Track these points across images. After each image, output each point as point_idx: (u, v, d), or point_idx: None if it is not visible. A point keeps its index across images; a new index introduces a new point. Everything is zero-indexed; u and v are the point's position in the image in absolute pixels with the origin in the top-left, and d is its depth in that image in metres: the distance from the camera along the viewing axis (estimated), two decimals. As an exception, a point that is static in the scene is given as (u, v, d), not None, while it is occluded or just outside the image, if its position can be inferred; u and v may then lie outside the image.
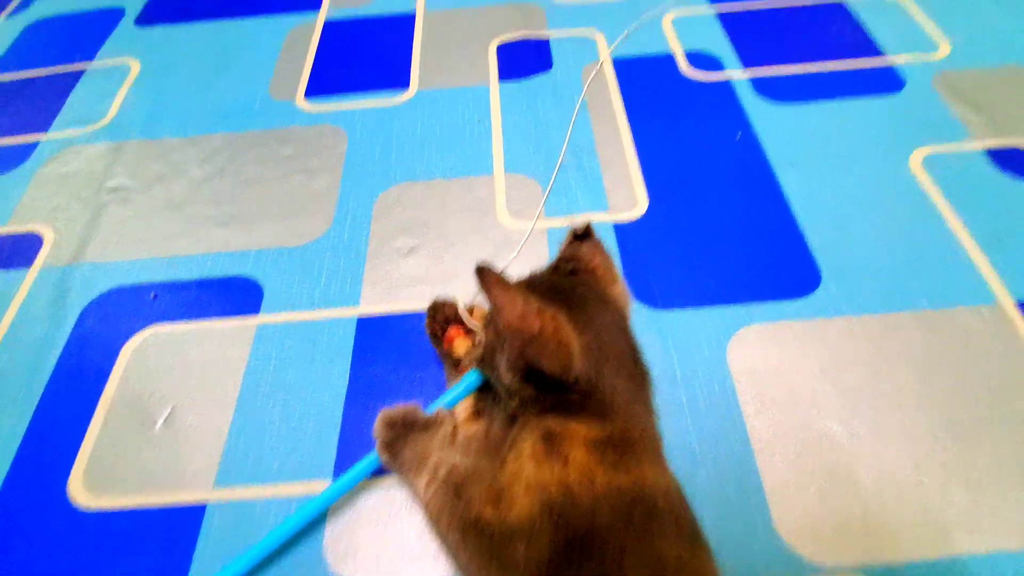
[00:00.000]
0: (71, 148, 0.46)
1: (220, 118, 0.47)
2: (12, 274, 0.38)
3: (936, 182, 0.39)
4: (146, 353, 0.34)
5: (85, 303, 0.36)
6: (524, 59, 0.50)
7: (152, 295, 0.36)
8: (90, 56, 0.54)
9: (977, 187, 0.38)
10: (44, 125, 0.49)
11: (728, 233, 0.37)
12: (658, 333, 0.33)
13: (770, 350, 0.32)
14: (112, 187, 0.43)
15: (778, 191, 0.39)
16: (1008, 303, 0.33)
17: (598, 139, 0.44)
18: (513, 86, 0.48)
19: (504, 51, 0.51)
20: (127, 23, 0.58)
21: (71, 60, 0.54)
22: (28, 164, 0.46)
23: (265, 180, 0.42)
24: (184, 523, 0.27)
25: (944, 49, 0.47)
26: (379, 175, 0.42)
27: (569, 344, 0.22)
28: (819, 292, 0.34)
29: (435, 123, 0.46)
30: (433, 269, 0.37)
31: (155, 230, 0.40)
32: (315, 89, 0.49)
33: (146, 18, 0.58)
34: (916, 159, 0.40)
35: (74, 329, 0.35)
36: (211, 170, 0.44)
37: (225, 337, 0.34)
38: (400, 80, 0.49)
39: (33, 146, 0.47)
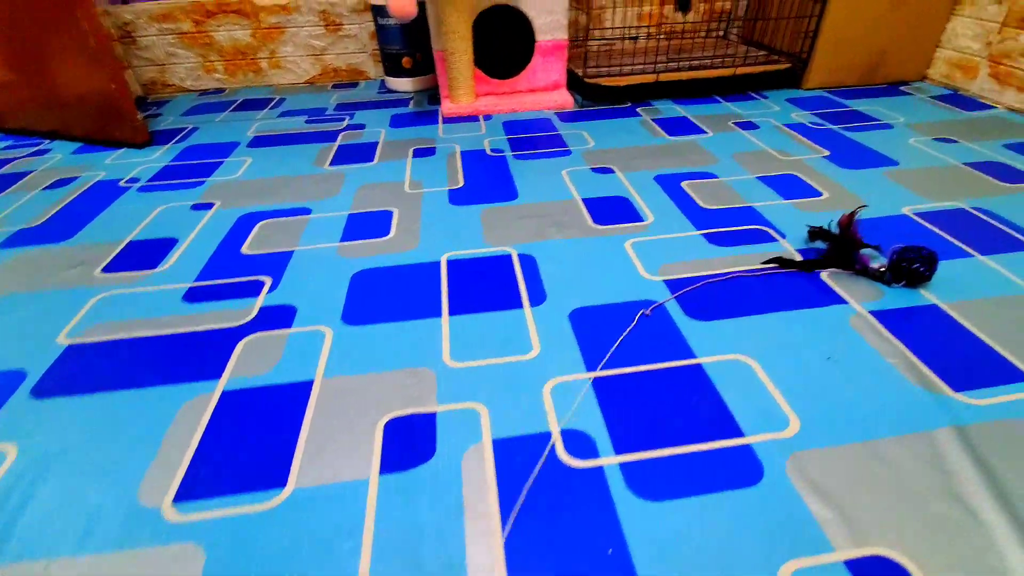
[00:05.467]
0: None
1: (83, 536, 0.45)
2: None
3: (806, 613, 0.38)
4: None
5: None
6: (410, 441, 0.52)
7: None
8: (-33, 440, 0.53)
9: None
10: None
11: None
12: None
13: None
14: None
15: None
16: None
17: (469, 552, 0.42)
18: (392, 480, 0.48)
19: (391, 429, 0.53)
20: (22, 393, 0.59)
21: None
22: None
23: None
24: None
25: (794, 426, 0.52)
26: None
27: None
28: None
29: (305, 536, 0.44)
30: None
31: None
32: (187, 492, 0.48)
33: (43, 389, 0.59)
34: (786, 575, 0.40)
35: None
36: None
37: None
38: (279, 475, 0.49)
39: None
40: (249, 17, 1.58)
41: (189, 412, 0.55)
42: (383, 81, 1.69)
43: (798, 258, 0.76)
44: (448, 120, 1.35)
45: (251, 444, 0.52)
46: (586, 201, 0.93)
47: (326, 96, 1.58)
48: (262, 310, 0.69)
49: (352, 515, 0.45)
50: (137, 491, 0.48)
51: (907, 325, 0.63)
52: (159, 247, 0.85)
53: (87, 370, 0.61)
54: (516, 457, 0.50)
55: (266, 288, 0.74)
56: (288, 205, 0.96)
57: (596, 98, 1.42)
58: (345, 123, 1.36)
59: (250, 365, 0.61)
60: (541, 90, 1.45)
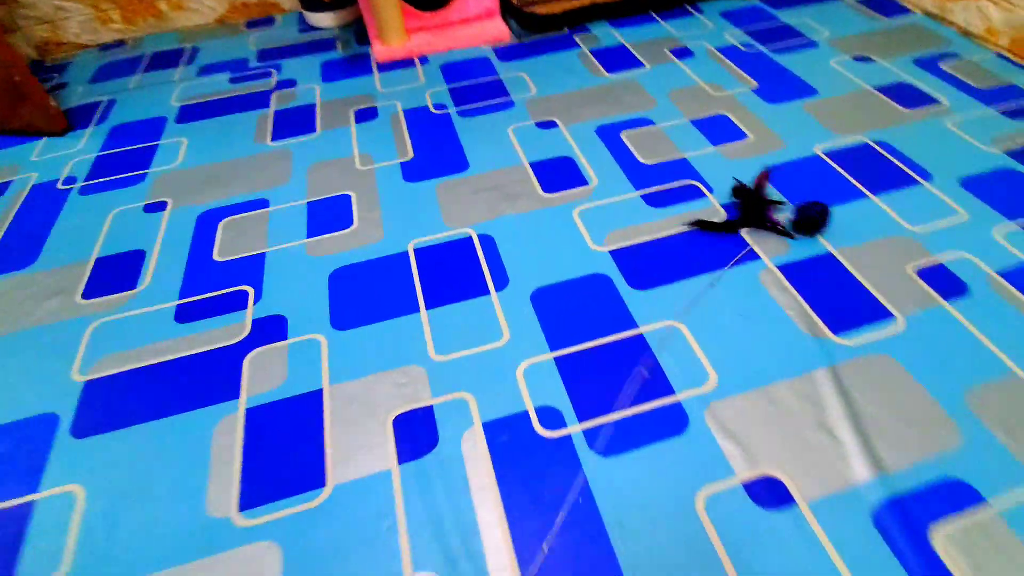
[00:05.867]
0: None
1: (160, 551, 0.56)
2: None
3: (715, 523, 0.55)
4: None
5: None
6: (416, 433, 0.64)
7: None
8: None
9: (741, 523, 0.55)
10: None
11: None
12: None
13: None
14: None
15: (611, 553, 0.54)
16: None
17: (479, 514, 0.57)
18: (410, 468, 0.61)
19: (399, 424, 0.65)
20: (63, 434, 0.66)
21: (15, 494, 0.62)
22: None
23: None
24: None
25: (712, 380, 0.66)
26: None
27: None
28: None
29: (352, 521, 0.57)
30: None
31: None
32: (247, 501, 0.59)
33: (80, 429, 0.67)
34: (700, 502, 0.57)
35: None
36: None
37: None
38: (318, 476, 0.61)
39: None
40: (133, -48, 1.38)
41: (223, 432, 0.65)
42: (301, 15, 1.56)
43: (722, 214, 0.87)
44: (383, 67, 1.30)
45: (286, 453, 0.63)
46: (534, 166, 0.98)
47: (242, 40, 1.46)
48: (254, 323, 0.76)
49: (384, 500, 0.58)
50: (204, 506, 0.59)
51: (804, 275, 0.77)
52: (129, 262, 0.87)
53: (114, 405, 0.69)
54: (503, 434, 0.63)
55: (251, 298, 0.80)
56: (243, 197, 0.97)
57: (532, 27, 1.38)
58: (274, 79, 1.29)
59: (262, 382, 0.70)
60: (475, 19, 1.39)
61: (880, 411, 0.62)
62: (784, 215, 0.83)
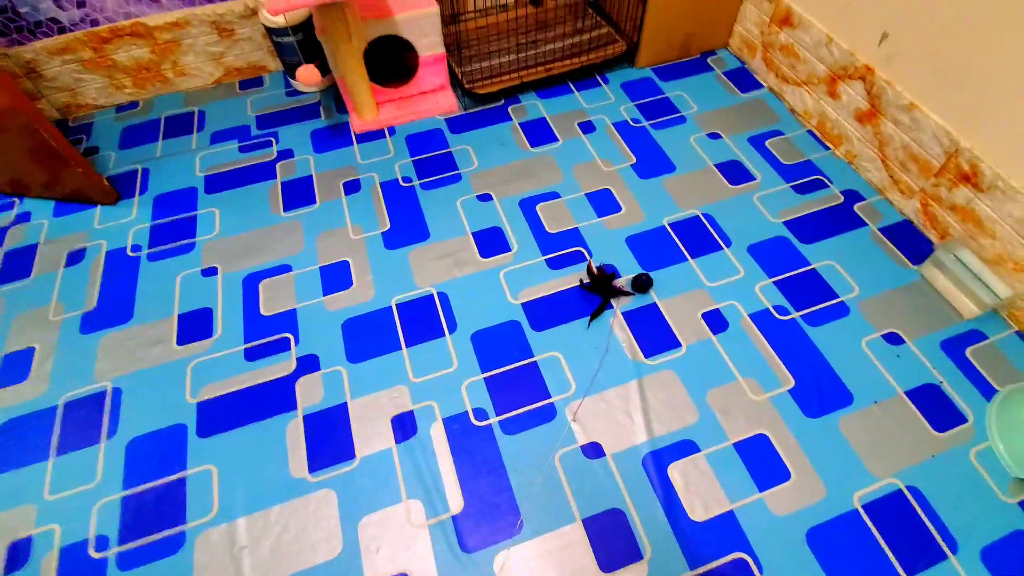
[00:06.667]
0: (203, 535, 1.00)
1: (270, 493, 1.04)
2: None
3: (565, 470, 1.06)
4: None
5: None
6: (404, 426, 1.12)
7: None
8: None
9: (577, 468, 1.06)
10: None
11: (494, 509, 1.02)
12: None
13: None
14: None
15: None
16: None
17: (443, 471, 1.06)
18: (403, 447, 1.09)
19: (395, 422, 1.12)
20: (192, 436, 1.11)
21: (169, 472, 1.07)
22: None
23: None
24: None
25: (572, 388, 1.16)
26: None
27: None
28: None
29: (376, 477, 1.06)
30: None
31: None
32: (312, 467, 1.07)
33: (203, 432, 1.12)
34: (557, 459, 1.07)
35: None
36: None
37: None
38: (350, 452, 1.08)
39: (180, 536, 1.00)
40: (144, 37, 1.67)
41: (292, 429, 1.11)
42: (285, 77, 1.88)
43: (596, 269, 1.34)
44: (361, 138, 1.68)
45: (331, 440, 1.10)
46: (475, 235, 1.43)
47: (240, 104, 1.79)
48: (299, 360, 1.21)
49: (389, 464, 1.07)
50: (288, 471, 1.06)
51: (635, 319, 1.26)
52: (202, 316, 1.29)
53: (220, 416, 1.13)
54: (454, 425, 1.11)
55: (293, 343, 1.24)
56: (272, 263, 1.38)
57: (476, 100, 1.76)
58: (275, 150, 1.65)
59: (310, 398, 1.15)
60: (430, 92, 1.76)
61: (659, 403, 1.13)
62: (625, 279, 1.31)
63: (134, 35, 1.66)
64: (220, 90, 1.84)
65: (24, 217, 1.51)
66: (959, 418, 1.10)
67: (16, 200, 1.55)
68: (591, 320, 1.25)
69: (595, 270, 1.32)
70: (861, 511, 0.99)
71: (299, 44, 1.68)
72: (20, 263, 1.41)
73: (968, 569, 0.93)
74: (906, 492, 1.01)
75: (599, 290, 1.29)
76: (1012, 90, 1.11)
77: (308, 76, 1.43)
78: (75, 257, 1.42)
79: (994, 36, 1.12)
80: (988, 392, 1.13)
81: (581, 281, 1.31)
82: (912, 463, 1.04)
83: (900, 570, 0.93)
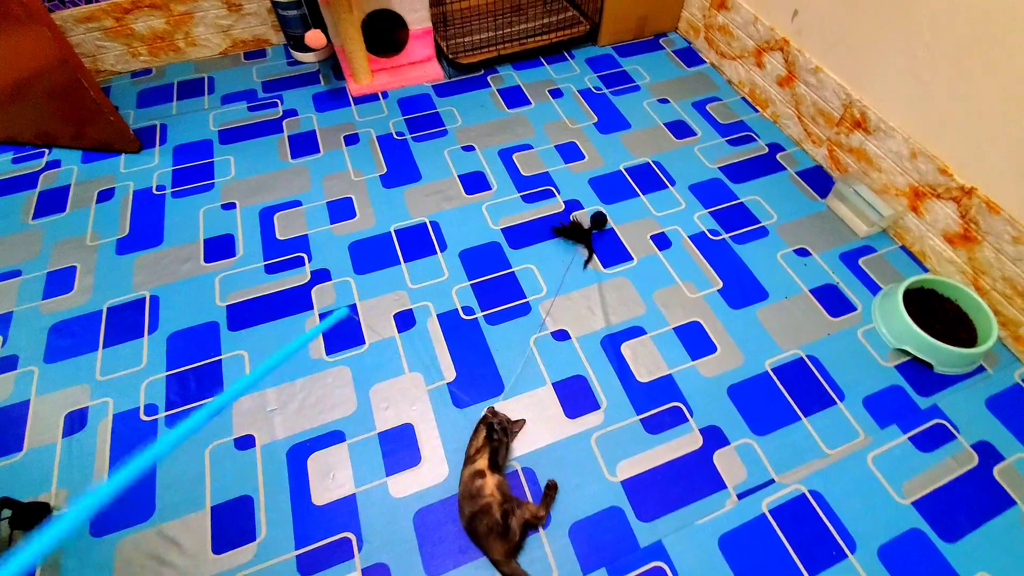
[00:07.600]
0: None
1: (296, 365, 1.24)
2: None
3: (540, 352, 1.30)
4: None
5: None
6: (406, 320, 1.34)
7: None
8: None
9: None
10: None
11: (481, 379, 1.25)
12: None
13: None
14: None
15: (494, 360, 1.28)
16: None
17: (438, 352, 1.29)
18: (405, 335, 1.31)
19: (397, 318, 1.34)
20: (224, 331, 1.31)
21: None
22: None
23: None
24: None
25: (544, 292, 1.40)
26: (365, 383, 1.24)
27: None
28: None
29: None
30: None
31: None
32: (328, 350, 1.28)
33: (233, 325, 1.32)
34: (531, 343, 1.31)
35: None
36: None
37: None
38: (359, 338, 1.30)
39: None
40: (161, 9, 1.87)
41: (311, 324, 1.32)
42: (287, 49, 2.09)
43: (562, 207, 1.58)
44: (357, 100, 1.90)
45: (344, 331, 1.31)
46: (461, 177, 1.66)
47: (246, 71, 2.00)
48: (312, 273, 1.42)
49: (394, 349, 1.29)
50: (308, 354, 1.27)
51: (601, 246, 1.51)
52: (226, 241, 1.49)
53: (247, 315, 1.34)
54: (445, 319, 1.34)
55: (307, 260, 1.45)
56: (284, 199, 1.59)
57: (459, 69, 2.01)
58: (280, 110, 1.86)
59: (323, 301, 1.37)
60: (419, 63, 2.00)
61: (615, 301, 1.38)
62: (583, 212, 1.57)
63: (152, 6, 1.85)
64: (227, 60, 2.04)
65: (54, 164, 1.68)
66: (850, 307, 1.38)
67: (45, 151, 1.72)
68: (586, 265, 1.47)
69: (575, 221, 1.57)
70: (771, 373, 1.26)
71: (301, 17, 1.90)
72: (55, 201, 1.59)
73: (852, 412, 1.20)
74: (806, 360, 1.28)
75: (576, 236, 1.52)
76: (886, 50, 1.42)
77: (316, 39, 1.65)
78: (105, 195, 1.60)
79: (872, 8, 1.42)
80: (875, 290, 1.42)
81: (553, 228, 1.55)
82: (812, 339, 1.32)
83: (798, 411, 1.20)
